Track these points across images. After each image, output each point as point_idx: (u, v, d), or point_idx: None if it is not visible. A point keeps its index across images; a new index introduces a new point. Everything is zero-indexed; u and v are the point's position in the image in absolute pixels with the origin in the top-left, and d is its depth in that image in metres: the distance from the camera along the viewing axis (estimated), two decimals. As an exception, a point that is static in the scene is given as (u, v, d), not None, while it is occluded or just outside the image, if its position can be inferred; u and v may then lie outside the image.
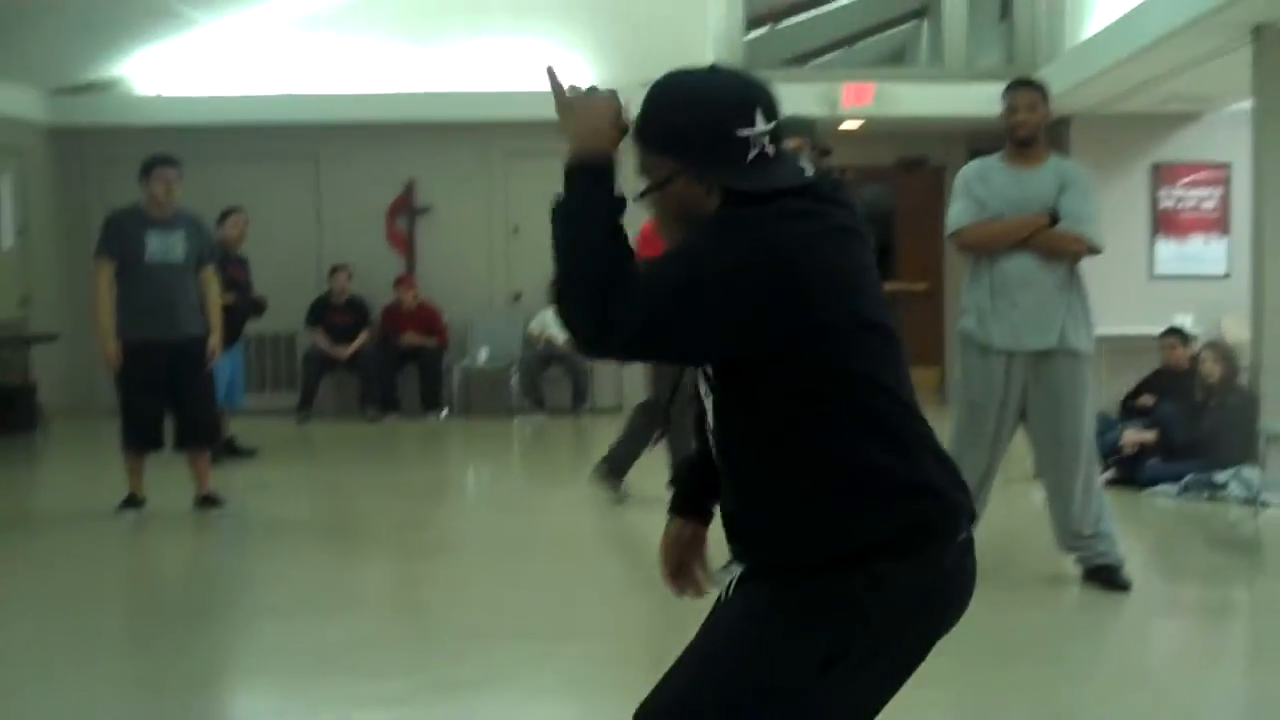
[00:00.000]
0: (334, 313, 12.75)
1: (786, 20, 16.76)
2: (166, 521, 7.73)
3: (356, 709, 4.47)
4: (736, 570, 2.39)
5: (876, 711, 2.38)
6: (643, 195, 2.35)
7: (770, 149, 2.30)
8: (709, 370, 2.32)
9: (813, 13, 16.85)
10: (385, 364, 12.71)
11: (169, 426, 7.76)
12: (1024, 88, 5.95)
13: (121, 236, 7.55)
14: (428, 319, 12.91)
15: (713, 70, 2.38)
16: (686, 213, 2.31)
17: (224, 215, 10.13)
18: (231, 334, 9.08)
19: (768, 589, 2.30)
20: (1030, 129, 5.84)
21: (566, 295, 2.27)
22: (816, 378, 2.24)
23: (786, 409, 2.25)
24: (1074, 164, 6.04)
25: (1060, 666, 4.92)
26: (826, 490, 2.25)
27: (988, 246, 5.84)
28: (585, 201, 2.27)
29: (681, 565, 2.65)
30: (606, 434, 8.65)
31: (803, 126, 5.84)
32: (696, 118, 2.29)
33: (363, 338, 12.70)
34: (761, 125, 2.29)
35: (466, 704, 4.51)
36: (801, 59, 17.24)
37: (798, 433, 2.25)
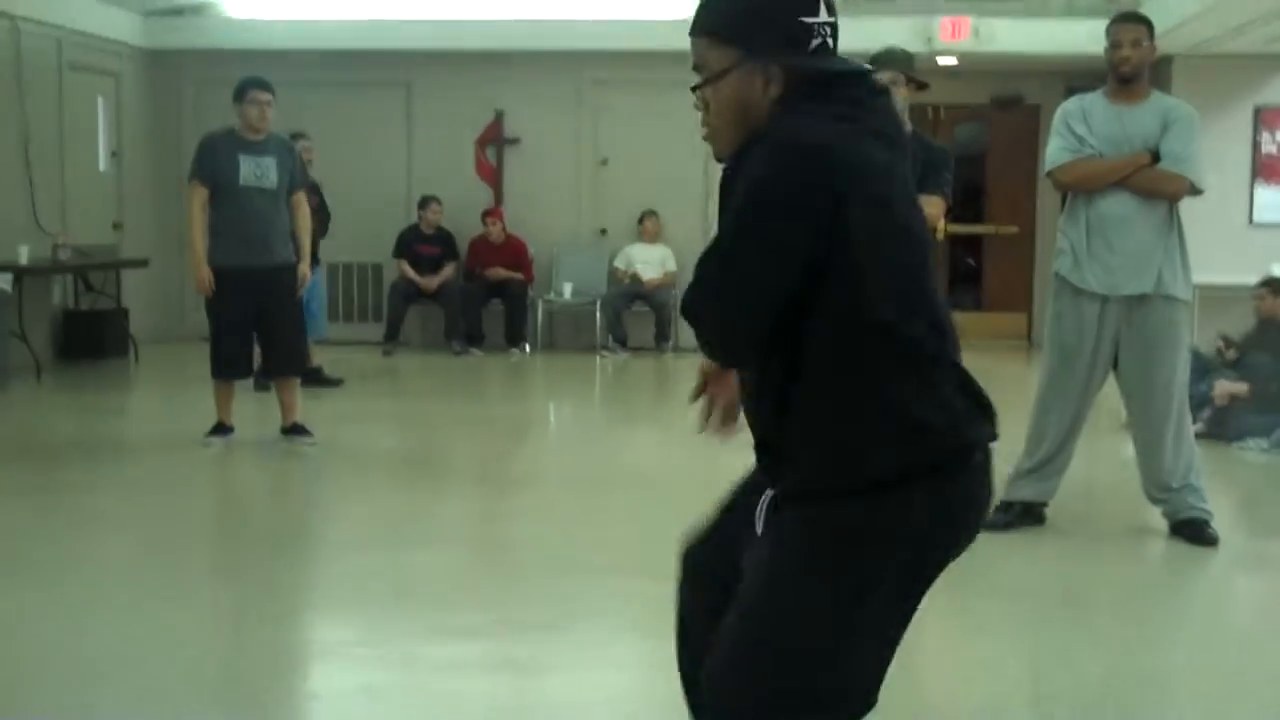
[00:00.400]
0: (422, 244, 12.79)
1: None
2: (253, 450, 7.82)
3: (438, 642, 4.50)
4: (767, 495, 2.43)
5: (899, 636, 2.42)
6: (701, 86, 2.38)
7: (831, 42, 2.34)
8: None
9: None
10: (471, 297, 12.73)
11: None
12: (1129, 22, 5.80)
13: (215, 160, 7.57)
14: (514, 252, 12.91)
15: None
16: (743, 110, 2.34)
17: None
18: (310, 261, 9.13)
19: (796, 527, 2.34)
20: (1133, 65, 5.69)
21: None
22: (848, 292, 2.25)
23: (819, 332, 2.27)
24: (1179, 102, 5.87)
25: (1143, 623, 4.86)
26: (853, 416, 2.28)
27: (1085, 185, 5.71)
28: None
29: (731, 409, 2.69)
30: (689, 373, 8.63)
31: (899, 59, 5.74)
32: (763, 3, 2.32)
33: (449, 270, 12.74)
34: (825, 15, 2.33)
35: (547, 638, 4.52)
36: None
37: (828, 357, 2.28)
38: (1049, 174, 5.86)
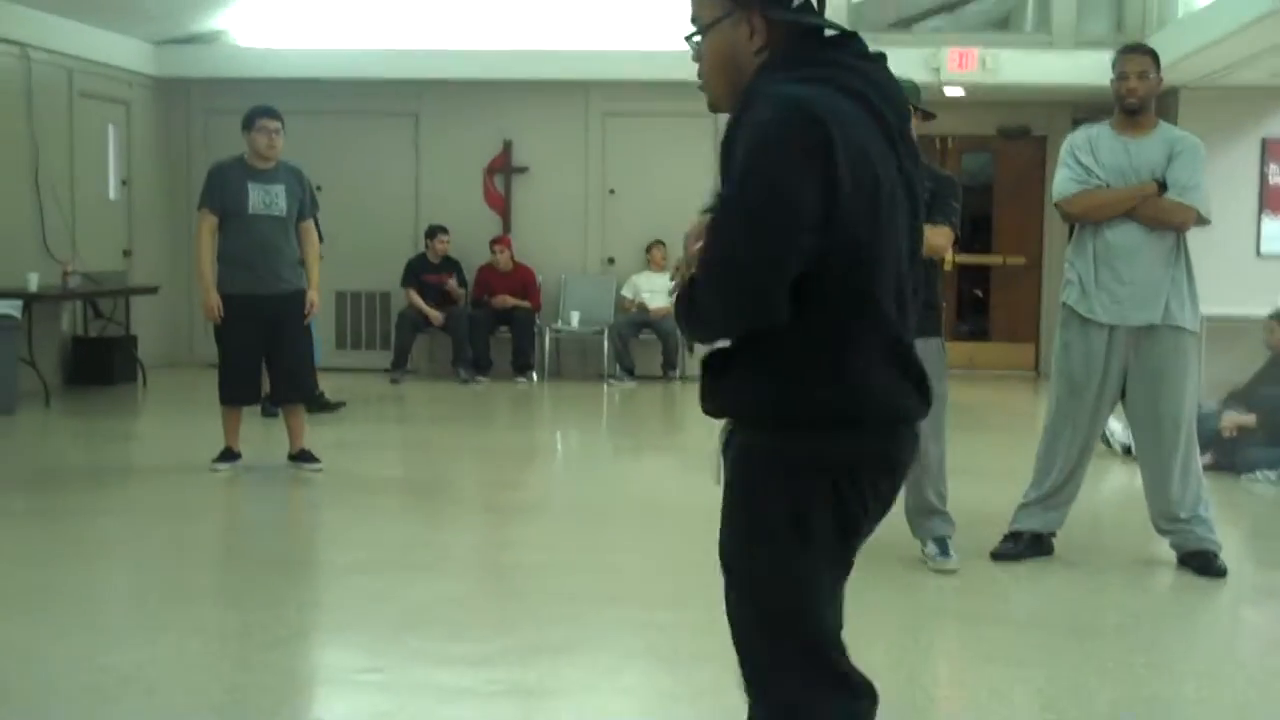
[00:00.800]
0: (429, 273, 12.82)
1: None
2: (261, 476, 7.84)
3: (443, 668, 4.50)
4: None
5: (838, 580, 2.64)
6: (693, 35, 2.56)
7: (813, 3, 2.50)
8: None
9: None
10: (478, 325, 12.75)
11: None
12: (1135, 53, 5.83)
13: (224, 188, 7.60)
14: (522, 281, 12.94)
15: None
16: (730, 59, 2.51)
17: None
18: None
19: (737, 457, 2.55)
20: (1140, 96, 5.71)
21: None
22: (838, 250, 2.38)
23: (805, 282, 2.39)
24: (1185, 133, 5.89)
25: (1150, 652, 4.84)
26: (809, 364, 2.43)
27: (1093, 215, 5.73)
28: None
29: None
30: (695, 402, 8.63)
31: (906, 89, 5.74)
32: None
33: (458, 290, 12.76)
34: None
35: (552, 667, 4.52)
36: (906, 22, 17.01)
37: (809, 306, 2.39)
38: (1057, 205, 5.89)
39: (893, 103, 2.50)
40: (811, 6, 2.50)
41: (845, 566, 2.64)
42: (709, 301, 2.42)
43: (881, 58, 2.54)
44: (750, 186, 2.35)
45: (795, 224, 2.33)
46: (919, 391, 2.55)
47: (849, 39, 2.52)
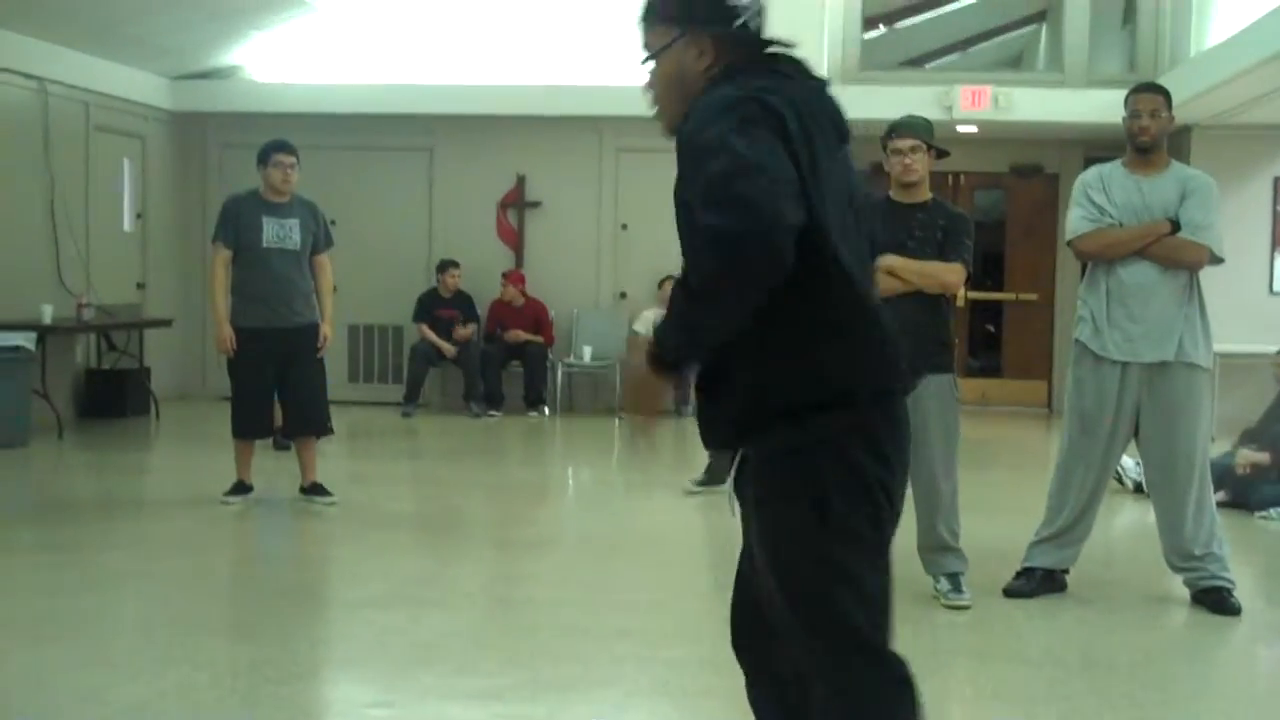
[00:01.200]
0: (441, 308, 12.85)
1: (903, 21, 16.62)
2: (273, 509, 7.84)
3: (454, 703, 4.49)
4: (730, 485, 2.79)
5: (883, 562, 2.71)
6: (646, 60, 2.75)
7: (755, 24, 2.72)
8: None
9: (929, 15, 16.69)
10: (490, 359, 12.77)
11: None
12: (1147, 92, 5.84)
13: (238, 222, 7.64)
14: (535, 315, 12.96)
15: None
16: (681, 80, 2.71)
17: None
18: None
19: (756, 491, 2.67)
20: (1152, 135, 5.72)
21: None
22: (815, 233, 2.53)
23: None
24: (1198, 172, 5.90)
25: (1164, 690, 4.82)
26: (803, 349, 2.58)
27: (1106, 254, 5.73)
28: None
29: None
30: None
31: (919, 127, 5.78)
32: None
33: (468, 331, 12.79)
34: (753, 2, 2.71)
35: (562, 702, 4.51)
36: (917, 61, 17.08)
37: (796, 291, 2.51)
38: (1070, 243, 5.88)
39: (834, 117, 2.69)
40: (749, 27, 2.71)
41: (882, 554, 2.70)
42: (715, 277, 2.44)
43: (823, 81, 2.74)
44: (729, 147, 2.44)
45: (786, 171, 2.46)
46: (898, 355, 2.70)
47: (793, 59, 2.73)
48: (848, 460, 2.59)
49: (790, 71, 2.69)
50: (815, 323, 2.57)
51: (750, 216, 2.38)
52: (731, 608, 2.95)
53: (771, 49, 2.72)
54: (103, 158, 12.26)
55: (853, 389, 2.59)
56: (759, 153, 2.44)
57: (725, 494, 2.82)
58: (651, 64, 2.76)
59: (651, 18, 2.76)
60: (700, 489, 8.23)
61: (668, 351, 2.57)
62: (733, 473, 2.77)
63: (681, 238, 2.61)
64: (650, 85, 2.78)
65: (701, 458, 8.20)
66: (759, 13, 2.73)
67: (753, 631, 2.87)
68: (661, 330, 2.59)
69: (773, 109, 2.51)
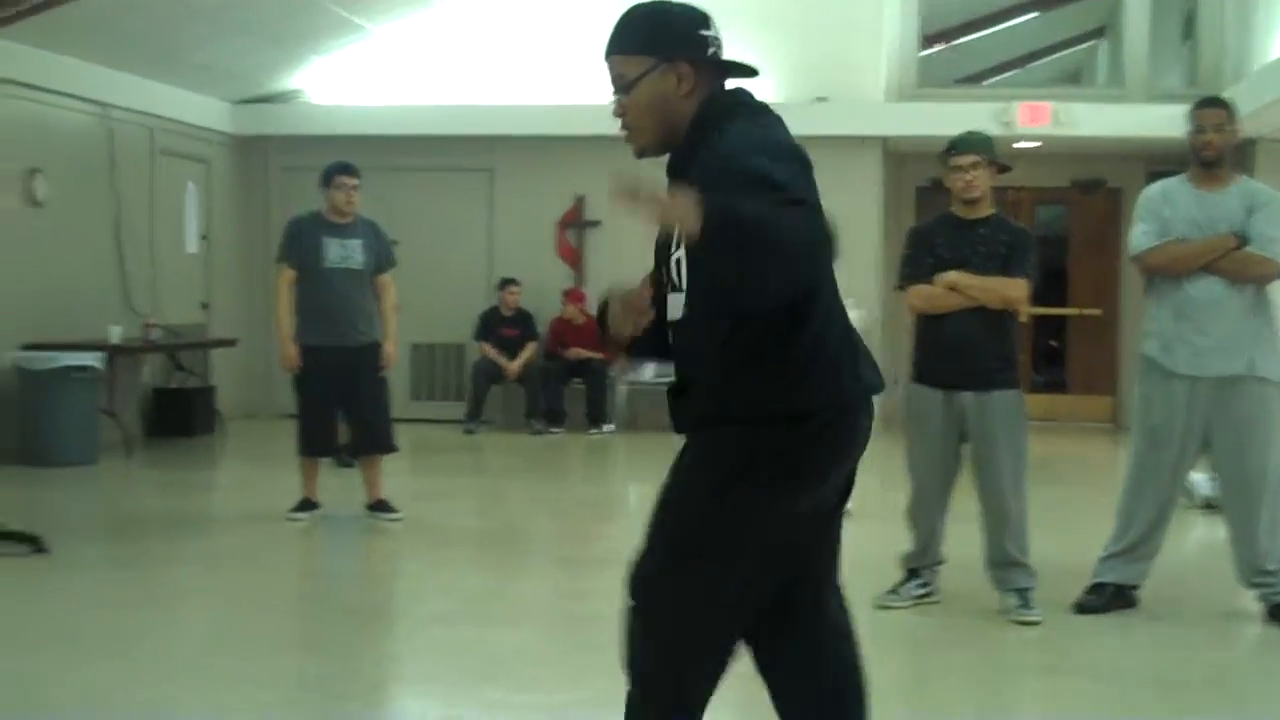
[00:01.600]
0: (503, 326, 12.91)
1: (961, 38, 16.57)
2: (338, 525, 7.90)
3: (519, 719, 4.50)
4: None
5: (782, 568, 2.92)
6: (623, 88, 2.90)
7: (719, 52, 2.90)
8: (679, 273, 2.96)
9: (987, 31, 16.63)
10: (552, 377, 12.81)
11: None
12: (1211, 106, 5.79)
13: (301, 243, 7.72)
14: (595, 333, 12.93)
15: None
16: (662, 105, 2.87)
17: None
18: None
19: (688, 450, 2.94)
20: (1216, 149, 5.67)
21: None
22: None
23: None
24: (1264, 186, 5.83)
25: (1237, 707, 4.76)
26: (757, 367, 2.74)
27: (1173, 269, 5.67)
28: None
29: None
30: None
31: (980, 143, 5.75)
32: (667, 18, 2.89)
33: (530, 350, 12.83)
34: (715, 32, 2.90)
35: (629, 718, 4.50)
36: (976, 78, 17.03)
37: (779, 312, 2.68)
38: (1135, 258, 5.82)
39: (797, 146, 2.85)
40: (718, 56, 2.90)
41: (749, 587, 2.88)
42: (759, 261, 2.42)
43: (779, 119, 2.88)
44: (772, 160, 2.60)
45: (805, 168, 2.67)
46: (875, 371, 2.89)
47: (753, 95, 2.91)
48: (773, 479, 2.76)
49: (759, 110, 2.87)
50: (779, 344, 2.72)
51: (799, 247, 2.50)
52: None
53: (737, 75, 2.93)
54: (167, 181, 12.41)
55: (805, 411, 2.75)
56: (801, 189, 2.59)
57: None
58: (623, 93, 2.91)
59: (624, 49, 2.90)
60: None
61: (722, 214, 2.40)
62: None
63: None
64: (621, 111, 2.93)
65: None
66: (720, 45, 2.92)
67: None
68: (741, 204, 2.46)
69: (798, 147, 2.72)
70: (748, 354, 2.75)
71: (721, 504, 2.78)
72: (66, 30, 10.02)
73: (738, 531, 2.78)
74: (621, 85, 2.91)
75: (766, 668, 3.06)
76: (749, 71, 2.93)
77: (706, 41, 2.89)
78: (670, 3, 2.93)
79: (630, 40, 2.91)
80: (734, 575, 2.82)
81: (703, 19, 2.90)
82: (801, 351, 2.74)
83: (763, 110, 2.86)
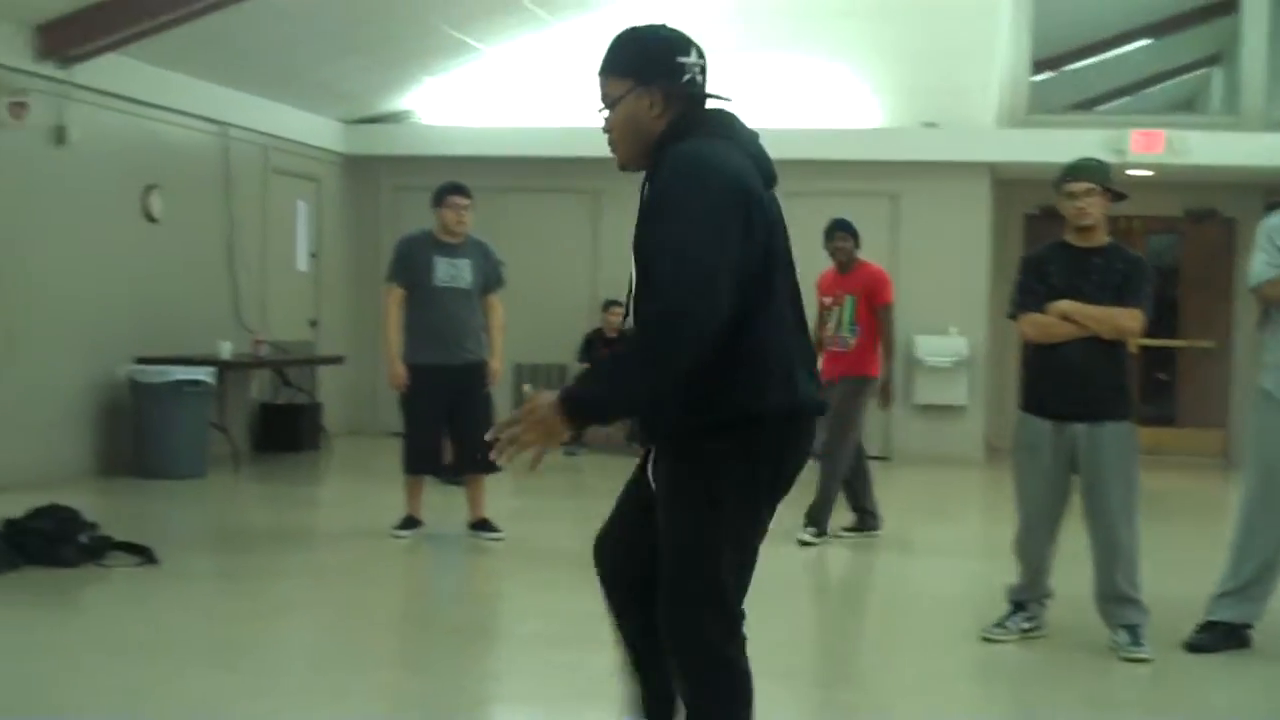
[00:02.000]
0: (606, 347, 12.93)
1: (1073, 64, 16.38)
2: (441, 543, 7.95)
3: (622, 741, 4.49)
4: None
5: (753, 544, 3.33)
6: (605, 107, 3.19)
7: (700, 80, 3.18)
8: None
9: (1100, 57, 16.42)
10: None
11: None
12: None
13: (410, 261, 7.79)
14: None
15: (660, 25, 3.23)
16: (635, 125, 3.17)
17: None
18: None
19: (667, 467, 3.22)
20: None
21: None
22: (761, 277, 3.05)
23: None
24: (1388, 219, 5.70)
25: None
26: (724, 374, 3.03)
27: (1292, 301, 5.56)
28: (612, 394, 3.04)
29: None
30: (880, 481, 8.56)
31: (1095, 170, 5.67)
32: (647, 45, 3.18)
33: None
34: (695, 58, 3.17)
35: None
36: (1087, 104, 16.82)
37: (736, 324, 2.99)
38: (1254, 289, 5.69)
39: (765, 164, 3.20)
40: (697, 82, 3.17)
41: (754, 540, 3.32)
42: (663, 329, 2.90)
43: (756, 133, 3.25)
44: (692, 220, 2.94)
45: (733, 245, 2.94)
46: (817, 382, 3.22)
47: (730, 113, 3.21)
48: (742, 468, 3.10)
49: (729, 123, 3.19)
50: (739, 353, 3.02)
51: (694, 300, 2.88)
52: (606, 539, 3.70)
53: (712, 102, 3.20)
54: (279, 199, 12.62)
55: (760, 412, 3.07)
56: (711, 235, 2.92)
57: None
58: (609, 110, 3.19)
59: (610, 71, 3.18)
60: (852, 534, 8.24)
61: (590, 406, 2.99)
62: (651, 459, 3.32)
63: (637, 272, 3.19)
64: (608, 128, 3.22)
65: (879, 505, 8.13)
66: (703, 70, 3.19)
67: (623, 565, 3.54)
68: (588, 386, 3.02)
69: (735, 177, 3.02)
70: (704, 365, 2.98)
71: (721, 509, 3.14)
72: (185, 49, 10.23)
73: (742, 524, 3.22)
74: (606, 103, 3.20)
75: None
76: (724, 99, 3.23)
77: (683, 69, 3.15)
78: (657, 30, 3.21)
79: (614, 63, 3.19)
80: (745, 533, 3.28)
81: (684, 47, 3.16)
82: (751, 356, 3.05)
83: (722, 130, 3.15)
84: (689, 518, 3.15)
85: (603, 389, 2.99)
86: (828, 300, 8.40)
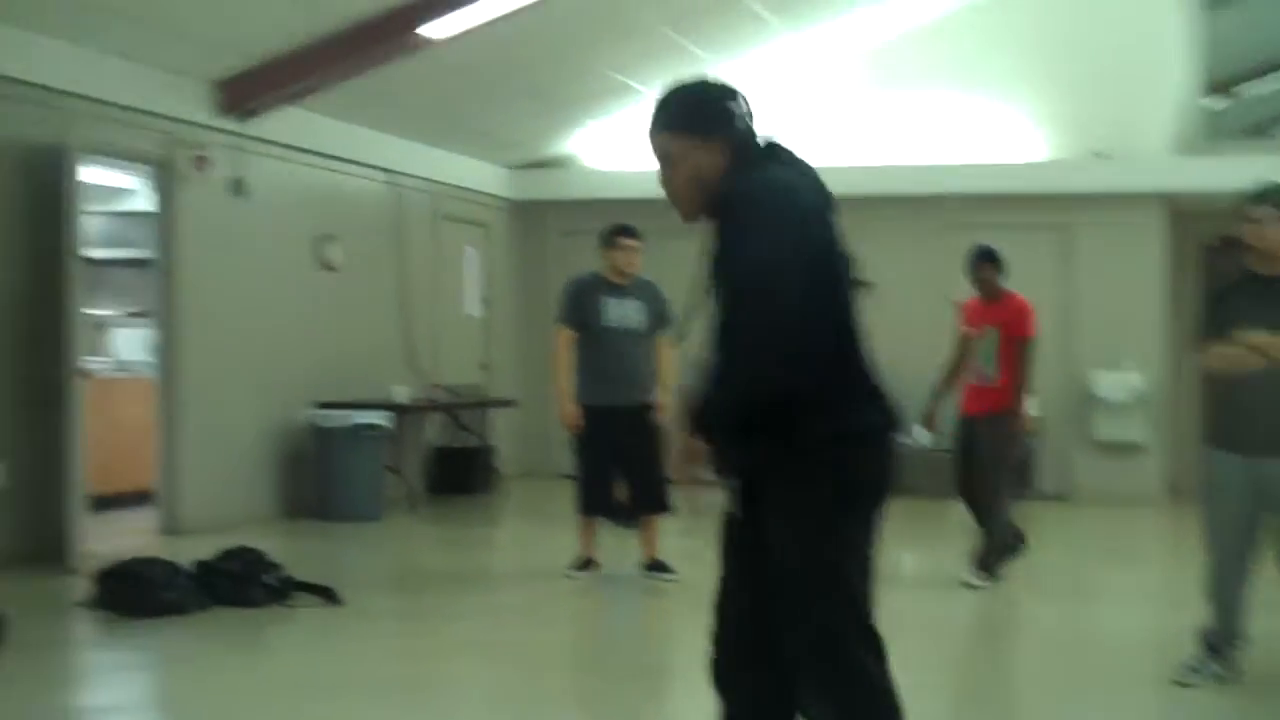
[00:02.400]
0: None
1: (1246, 88, 15.92)
2: (615, 584, 7.98)
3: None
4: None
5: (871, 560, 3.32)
6: (667, 165, 3.28)
7: (750, 121, 3.28)
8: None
9: (1275, 79, 15.95)
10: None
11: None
12: None
13: (579, 303, 7.87)
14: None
15: (704, 77, 3.42)
16: (701, 178, 3.25)
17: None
18: None
19: (775, 495, 3.22)
20: None
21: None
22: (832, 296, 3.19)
23: None
24: None
25: None
26: (820, 392, 3.14)
27: None
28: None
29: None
30: (1052, 530, 8.37)
31: (1272, 192, 5.51)
32: (702, 101, 3.31)
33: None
34: (743, 105, 3.28)
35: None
36: (1263, 128, 16.34)
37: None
38: None
39: (824, 188, 3.27)
40: (745, 122, 3.27)
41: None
42: (758, 360, 3.01)
43: (812, 166, 3.31)
44: (770, 237, 3.02)
45: (804, 254, 3.05)
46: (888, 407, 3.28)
47: (783, 146, 3.30)
48: (848, 479, 3.17)
49: (788, 159, 3.27)
50: (833, 370, 3.16)
51: (785, 327, 3.01)
52: (719, 639, 3.62)
53: (767, 141, 3.29)
54: (448, 245, 12.86)
55: (862, 432, 3.19)
56: (790, 254, 3.03)
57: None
58: (669, 168, 3.28)
59: (667, 129, 3.29)
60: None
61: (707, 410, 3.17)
62: (739, 500, 3.34)
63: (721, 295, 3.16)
64: (666, 182, 3.31)
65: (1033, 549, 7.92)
66: (750, 111, 3.29)
67: (744, 652, 3.51)
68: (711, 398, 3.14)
69: (800, 197, 3.15)
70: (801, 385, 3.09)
71: (834, 533, 3.19)
72: (356, 101, 10.51)
73: (855, 543, 3.24)
74: (667, 162, 3.29)
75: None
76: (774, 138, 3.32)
77: (734, 115, 3.26)
78: (705, 83, 3.36)
79: (671, 122, 3.29)
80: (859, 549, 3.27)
81: (731, 94, 3.28)
82: (847, 377, 3.21)
83: (779, 157, 3.26)
84: (809, 538, 3.19)
85: (714, 392, 3.14)
86: (972, 331, 8.18)
